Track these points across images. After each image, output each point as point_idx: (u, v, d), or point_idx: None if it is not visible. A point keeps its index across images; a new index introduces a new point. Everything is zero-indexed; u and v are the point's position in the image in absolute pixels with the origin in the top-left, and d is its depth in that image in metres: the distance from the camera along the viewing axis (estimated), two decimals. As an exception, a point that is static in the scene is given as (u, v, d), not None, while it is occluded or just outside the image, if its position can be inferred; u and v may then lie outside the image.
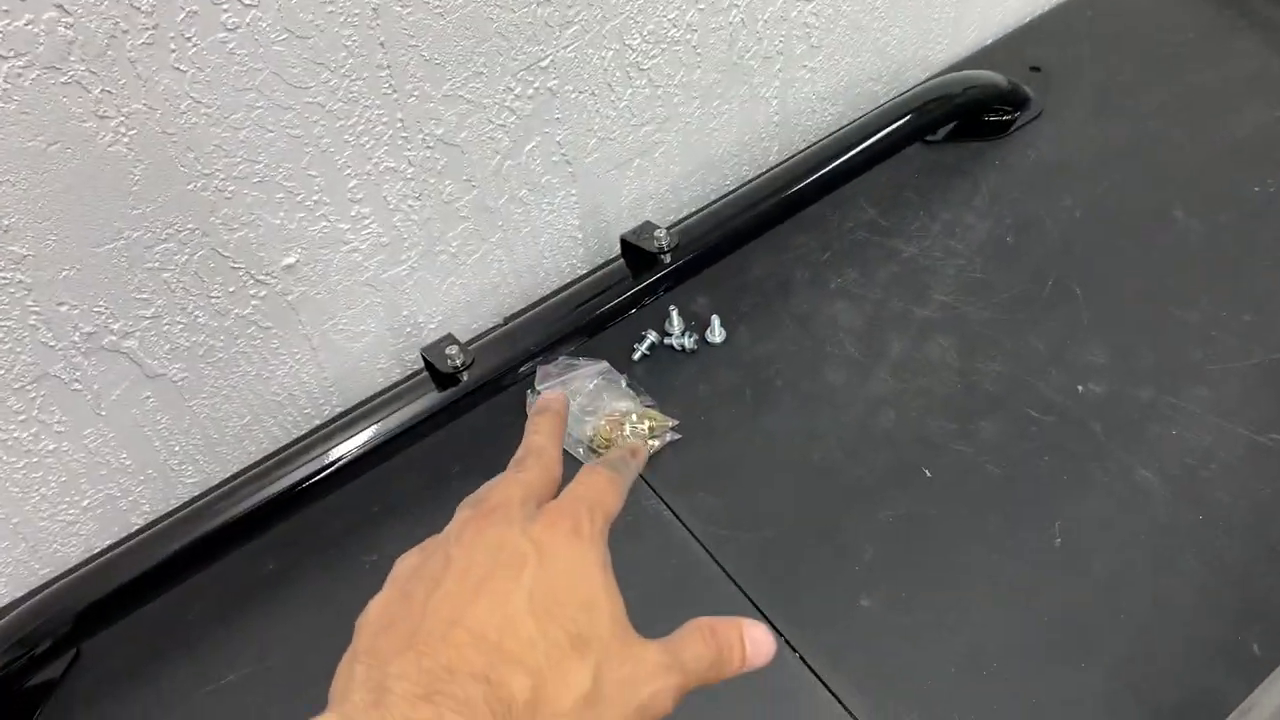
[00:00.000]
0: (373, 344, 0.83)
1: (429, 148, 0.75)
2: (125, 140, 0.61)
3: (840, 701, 0.65)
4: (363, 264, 0.78)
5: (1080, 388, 0.80)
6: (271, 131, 0.66)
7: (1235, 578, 0.68)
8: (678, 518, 0.76)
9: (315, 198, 0.71)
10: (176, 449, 0.78)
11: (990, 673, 0.66)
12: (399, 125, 0.72)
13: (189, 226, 0.67)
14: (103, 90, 0.59)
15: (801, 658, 0.68)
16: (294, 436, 0.84)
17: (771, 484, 0.77)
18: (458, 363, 0.74)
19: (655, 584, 0.72)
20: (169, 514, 0.76)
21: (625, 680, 0.38)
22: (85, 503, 0.76)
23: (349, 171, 0.72)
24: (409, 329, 0.85)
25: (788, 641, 0.68)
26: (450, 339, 0.76)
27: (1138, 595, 0.68)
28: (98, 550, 0.79)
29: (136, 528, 0.80)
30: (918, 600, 0.70)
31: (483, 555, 0.39)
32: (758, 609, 0.70)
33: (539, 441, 0.47)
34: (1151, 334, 0.82)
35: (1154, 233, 0.90)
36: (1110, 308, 0.85)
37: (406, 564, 0.41)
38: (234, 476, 0.77)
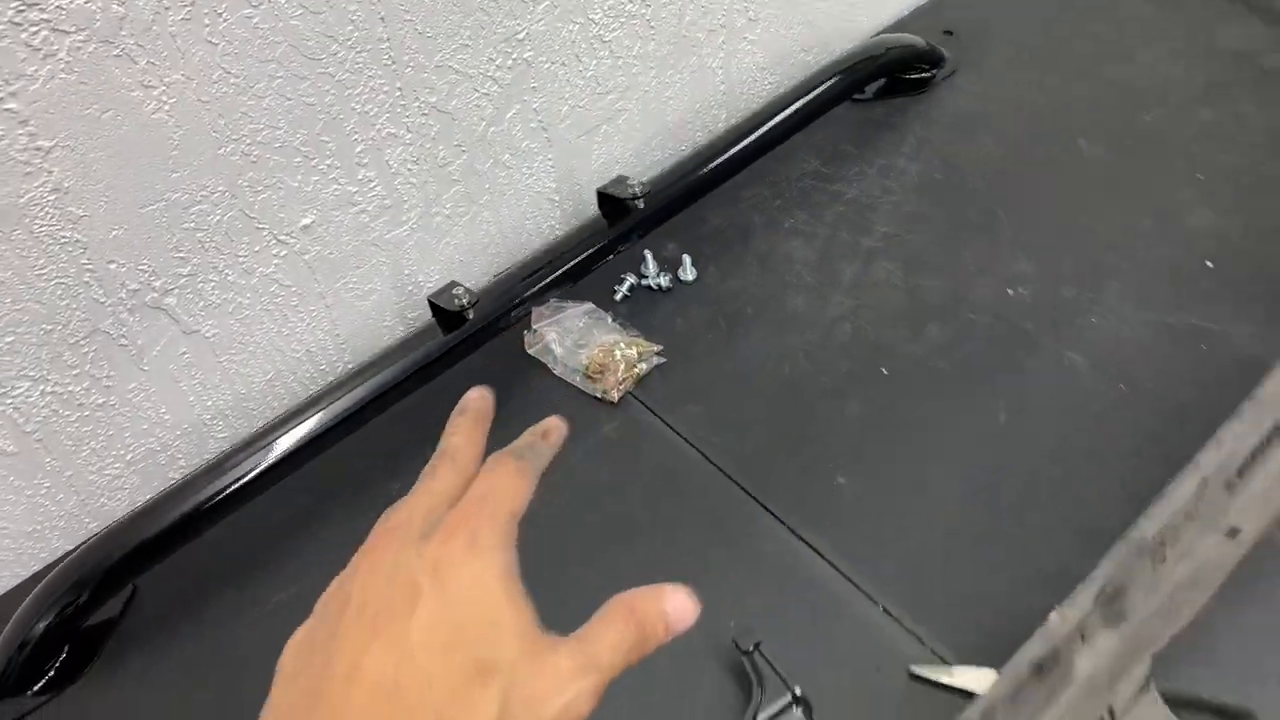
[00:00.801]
0: (379, 302, 0.92)
1: (424, 115, 0.84)
2: (166, 108, 0.69)
3: (826, 559, 0.75)
4: (369, 225, 0.86)
5: (1010, 292, 0.91)
6: (290, 100, 0.75)
7: (1156, 434, 0.79)
8: (670, 427, 0.85)
9: (328, 161, 0.80)
10: (209, 404, 0.85)
11: (951, 528, 0.76)
12: (398, 94, 0.81)
13: (220, 189, 0.75)
14: (148, 62, 0.67)
15: (790, 529, 0.77)
16: (311, 393, 0.92)
17: (749, 394, 0.87)
18: (464, 302, 0.83)
19: (657, 483, 0.81)
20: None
21: (536, 697, 0.37)
22: (129, 456, 0.83)
23: (356, 137, 0.81)
24: (410, 287, 0.93)
25: (776, 517, 0.78)
26: (455, 284, 0.85)
27: (1074, 455, 0.78)
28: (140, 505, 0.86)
29: (174, 482, 0.87)
30: (885, 476, 0.80)
31: (377, 589, 0.39)
32: (748, 493, 0.80)
33: (454, 443, 0.46)
34: (1068, 244, 0.94)
35: (1063, 162, 1.02)
36: (1031, 226, 0.96)
37: (322, 598, 0.41)
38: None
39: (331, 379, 0.93)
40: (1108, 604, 0.59)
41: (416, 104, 0.83)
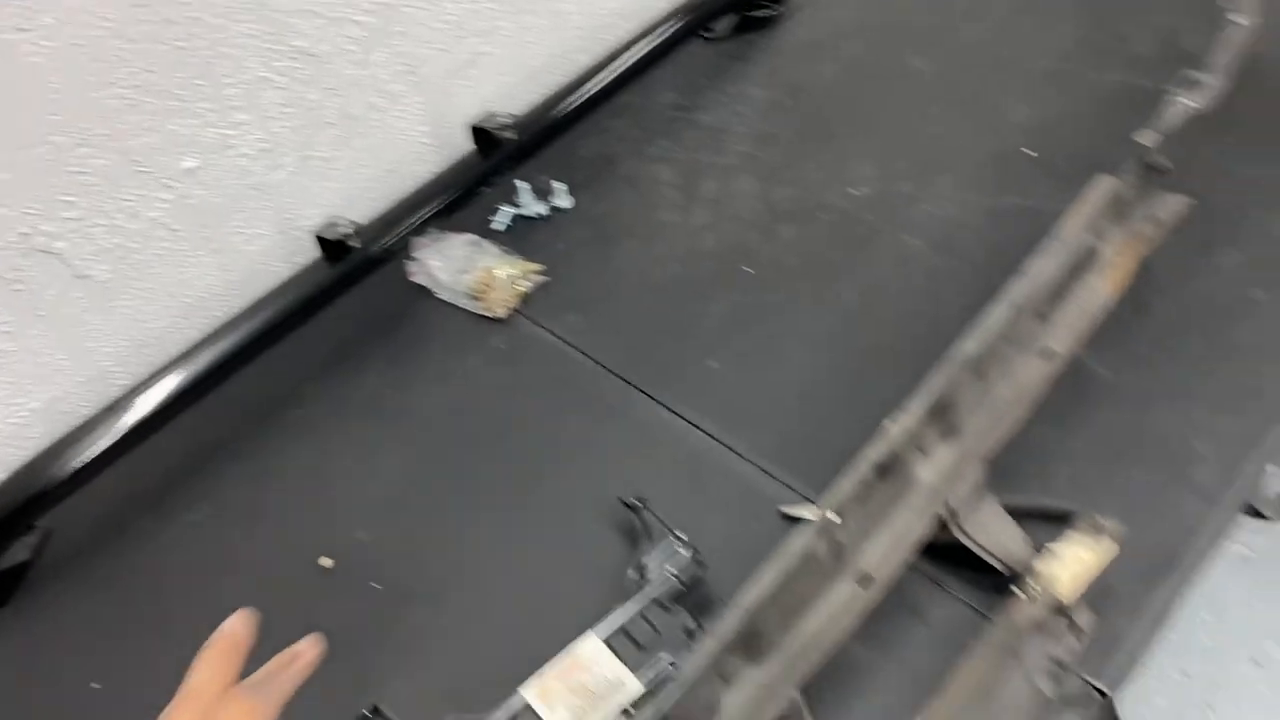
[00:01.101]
0: (267, 247, 0.96)
1: (294, 59, 0.89)
2: (43, 51, 0.73)
3: (702, 430, 0.82)
4: (250, 168, 0.90)
5: (854, 192, 0.99)
6: (163, 44, 0.79)
7: (987, 298, 0.88)
8: (554, 335, 0.91)
9: (204, 105, 0.84)
10: (108, 350, 0.88)
11: (810, 393, 0.84)
12: (268, 37, 0.86)
13: (101, 132, 0.79)
14: (20, 4, 0.70)
15: (668, 408, 0.84)
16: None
17: (626, 300, 0.94)
18: (347, 231, 0.88)
19: (545, 383, 0.88)
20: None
21: None
22: (33, 405, 0.85)
23: (229, 80, 0.85)
24: (295, 232, 0.97)
25: (656, 400, 0.85)
26: (338, 218, 0.90)
27: (915, 322, 0.87)
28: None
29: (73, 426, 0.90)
30: (751, 356, 0.87)
31: None
32: (630, 384, 0.86)
33: (196, 681, 0.49)
34: (904, 147, 1.03)
35: (895, 77, 1.11)
36: (870, 135, 1.05)
37: None
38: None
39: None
40: (940, 416, 0.67)
41: (285, 48, 0.87)
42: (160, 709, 0.71)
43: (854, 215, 0.97)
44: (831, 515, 0.61)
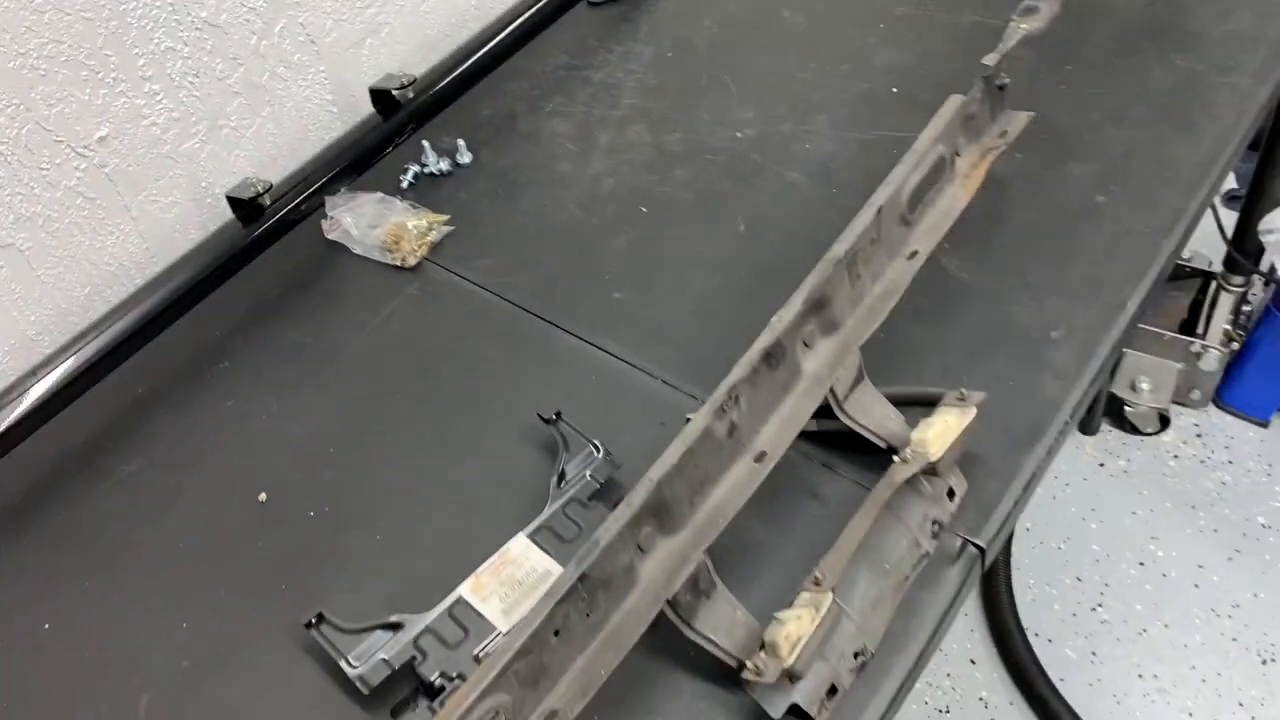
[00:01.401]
0: (182, 215, 0.99)
1: (198, 29, 0.93)
2: (-47, 23, 0.76)
3: (611, 354, 0.88)
4: (161, 137, 0.94)
5: (739, 134, 1.07)
6: (69, 14, 0.83)
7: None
8: (465, 279, 0.97)
9: (114, 75, 0.88)
10: (32, 319, 0.91)
11: (709, 313, 0.91)
12: (170, 8, 0.90)
13: (14, 102, 0.82)
14: (-72, -22, 0.74)
15: (578, 337, 0.90)
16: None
17: (532, 243, 1.00)
18: (258, 189, 0.92)
19: (459, 323, 0.93)
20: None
21: None
22: (-40, 374, 0.88)
23: (137, 51, 0.89)
24: (209, 199, 1.01)
25: (567, 330, 0.91)
26: (251, 178, 0.94)
27: (797, 244, 0.94)
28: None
29: None
30: (653, 285, 0.94)
31: None
32: (541, 318, 0.92)
33: None
34: (783, 92, 1.11)
35: (771, 30, 1.19)
36: (751, 83, 1.13)
37: None
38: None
39: (147, 292, 1.00)
40: (819, 312, 0.75)
41: (189, 18, 0.91)
42: (109, 645, 0.77)
43: (740, 155, 1.04)
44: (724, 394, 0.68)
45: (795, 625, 0.63)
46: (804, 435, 0.79)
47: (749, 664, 0.63)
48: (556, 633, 0.61)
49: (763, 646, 0.63)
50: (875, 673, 0.68)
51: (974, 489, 0.75)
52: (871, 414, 0.75)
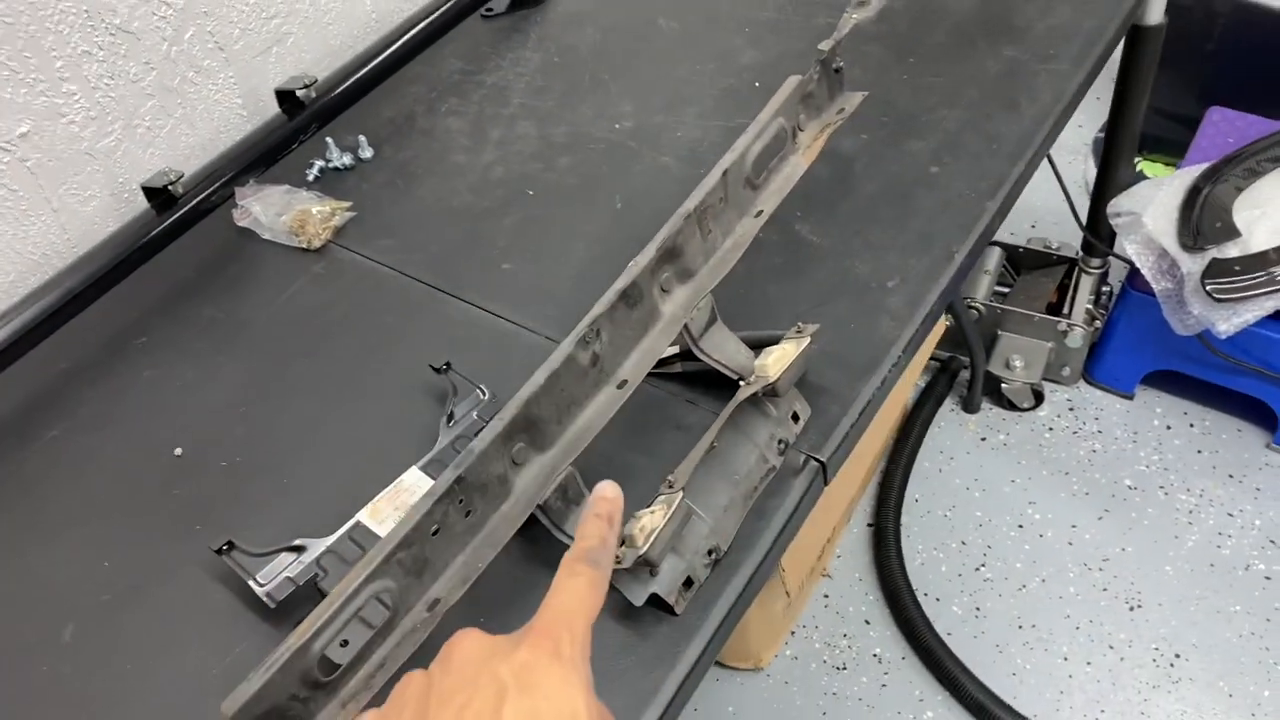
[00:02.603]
0: (101, 208, 1.07)
1: (112, 34, 1.01)
2: (-118, 24, 0.84)
3: (501, 316, 0.98)
4: (80, 135, 1.02)
5: (618, 125, 1.18)
6: (-10, 19, 0.91)
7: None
8: (367, 258, 1.06)
9: (33, 75, 0.96)
10: (-42, 303, 0.98)
11: (590, 279, 1.00)
12: (85, 15, 0.98)
13: (-61, 98, 0.90)
14: None
15: (470, 303, 1.00)
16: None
17: (428, 224, 1.09)
18: (171, 179, 1.01)
19: (361, 297, 1.02)
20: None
21: None
22: (-111, 355, 0.94)
23: (55, 54, 0.97)
24: (126, 194, 1.09)
25: (460, 299, 1.00)
26: (164, 169, 1.02)
27: (669, 214, 1.05)
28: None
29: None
30: (539, 257, 1.04)
31: (464, 685, 0.43)
32: (437, 289, 1.02)
33: (585, 546, 0.54)
34: (657, 88, 1.22)
35: (649, 36, 1.31)
36: (629, 82, 1.24)
37: (401, 685, 0.47)
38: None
39: (68, 281, 1.07)
40: (673, 260, 0.85)
41: (104, 24, 1.00)
42: (35, 587, 0.84)
43: (618, 144, 1.15)
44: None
45: (649, 519, 0.72)
46: (669, 376, 0.89)
47: (612, 557, 0.72)
48: (437, 531, 0.70)
49: (623, 542, 0.72)
50: (727, 568, 0.77)
51: (818, 414, 0.86)
52: (724, 350, 0.86)
